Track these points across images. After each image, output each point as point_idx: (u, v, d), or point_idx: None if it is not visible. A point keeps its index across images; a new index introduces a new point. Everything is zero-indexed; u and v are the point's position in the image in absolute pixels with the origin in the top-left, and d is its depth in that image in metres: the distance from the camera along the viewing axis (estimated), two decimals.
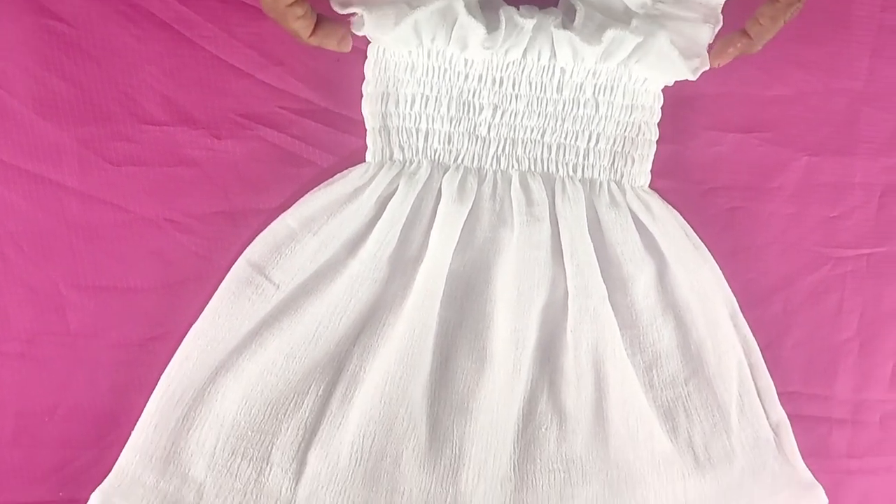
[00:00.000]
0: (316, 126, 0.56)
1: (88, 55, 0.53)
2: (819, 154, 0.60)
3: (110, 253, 0.55)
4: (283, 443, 0.53)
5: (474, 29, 0.51)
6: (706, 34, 0.53)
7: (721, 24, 0.53)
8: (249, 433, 0.53)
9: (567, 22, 0.53)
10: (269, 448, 0.53)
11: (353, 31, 0.52)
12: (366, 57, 0.54)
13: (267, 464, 0.53)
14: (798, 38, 0.58)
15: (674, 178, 0.58)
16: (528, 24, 0.52)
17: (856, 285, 0.61)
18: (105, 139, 0.54)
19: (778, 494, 0.57)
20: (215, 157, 0.55)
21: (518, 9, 0.53)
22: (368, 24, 0.50)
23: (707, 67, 0.54)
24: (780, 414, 0.58)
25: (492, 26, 0.52)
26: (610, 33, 0.51)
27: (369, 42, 0.54)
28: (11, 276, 0.54)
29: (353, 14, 0.51)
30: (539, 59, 0.54)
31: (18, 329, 0.55)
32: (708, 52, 0.53)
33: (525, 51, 0.53)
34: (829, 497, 0.57)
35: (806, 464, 0.58)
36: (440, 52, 0.54)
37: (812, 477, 0.57)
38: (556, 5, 0.55)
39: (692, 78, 0.54)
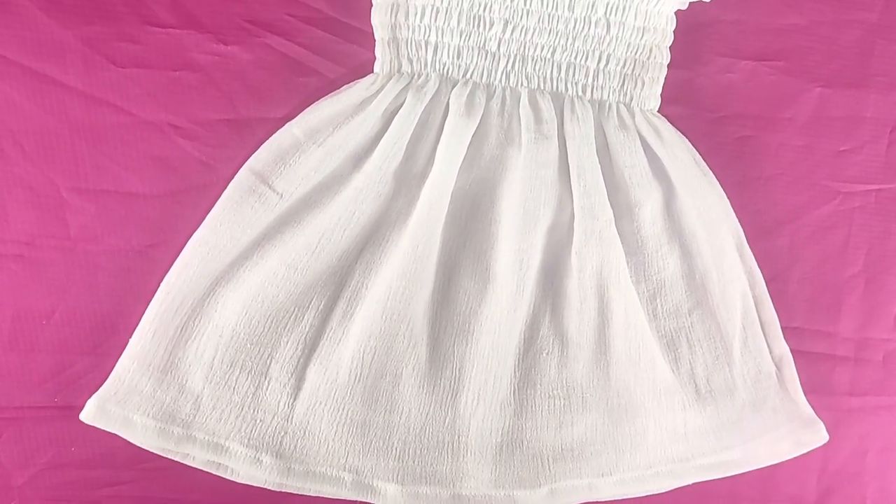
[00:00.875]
0: (324, 35, 0.56)
1: None
2: (831, 86, 0.60)
3: (112, 156, 0.55)
4: (282, 357, 0.54)
5: None
6: None
7: None
8: (248, 345, 0.53)
9: None
10: (268, 362, 0.53)
11: None
12: None
13: (265, 377, 0.53)
14: None
15: (684, 104, 0.58)
16: None
17: (863, 221, 0.61)
18: (110, 39, 0.54)
19: (778, 429, 0.57)
20: (221, 62, 0.55)
21: None
22: None
23: None
24: (783, 348, 0.58)
25: None
26: None
27: None
28: (11, 176, 0.55)
29: None
30: None
31: (17, 230, 0.55)
32: None
33: None
34: (829, 434, 0.57)
35: (807, 400, 0.58)
36: None
37: (813, 413, 0.58)
38: None
39: None
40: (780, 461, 0.57)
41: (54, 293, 0.55)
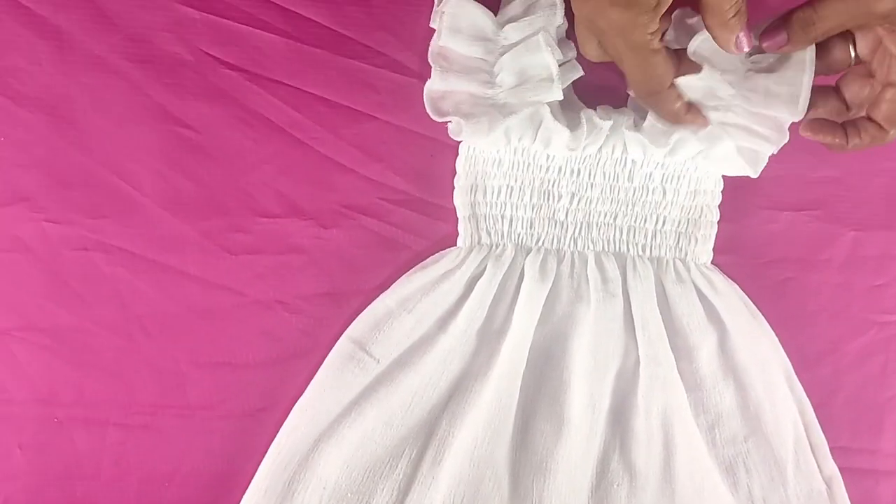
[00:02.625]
0: (412, 214, 0.63)
1: (210, 156, 0.61)
2: (863, 229, 0.66)
3: (226, 332, 0.62)
4: (378, 502, 0.60)
5: (559, 131, 0.59)
6: (769, 150, 0.60)
7: (787, 139, 0.59)
8: (349, 495, 0.60)
9: (639, 120, 0.61)
10: None
11: (451, 135, 0.60)
12: (457, 153, 0.62)
13: None
14: None
15: (733, 253, 0.65)
16: (606, 125, 0.59)
17: None
18: (224, 231, 0.61)
19: None
20: (322, 244, 0.62)
21: (596, 109, 0.61)
22: (466, 132, 0.58)
23: (765, 164, 0.61)
24: (832, 468, 0.64)
25: (572, 125, 0.60)
26: (675, 136, 0.59)
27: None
28: (138, 356, 0.61)
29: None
30: (613, 153, 0.62)
31: (143, 403, 0.62)
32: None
33: (601, 146, 0.61)
34: None
35: None
36: (525, 149, 0.61)
37: None
38: (626, 104, 0.63)
39: (754, 176, 0.61)
40: None
41: (176, 456, 0.62)
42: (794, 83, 0.56)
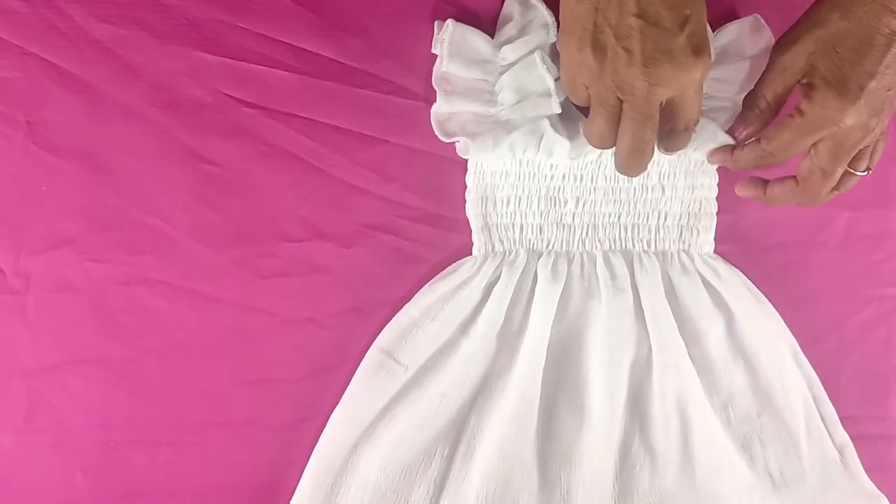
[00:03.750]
0: (428, 229, 0.67)
1: (235, 189, 0.65)
2: (858, 209, 0.70)
3: (262, 352, 0.66)
4: (416, 499, 0.65)
5: (560, 142, 0.63)
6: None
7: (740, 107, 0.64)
8: (388, 493, 0.64)
9: None
10: None
11: (459, 154, 0.64)
12: (466, 168, 0.66)
13: None
14: None
15: (734, 242, 0.69)
16: None
17: None
18: (254, 257, 0.66)
19: None
20: (345, 263, 0.66)
21: None
22: (473, 150, 0.63)
23: None
24: (843, 436, 0.68)
25: (572, 136, 0.64)
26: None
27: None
28: (183, 379, 0.66)
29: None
30: (612, 158, 0.66)
31: (190, 422, 0.66)
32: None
33: (600, 153, 0.66)
34: None
35: (870, 477, 0.66)
36: (529, 161, 0.66)
37: (876, 489, 0.67)
38: None
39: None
40: None
41: (224, 470, 0.66)
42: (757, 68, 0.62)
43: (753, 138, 0.61)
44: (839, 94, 0.55)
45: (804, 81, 0.58)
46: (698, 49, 0.53)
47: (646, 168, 0.59)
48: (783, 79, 0.58)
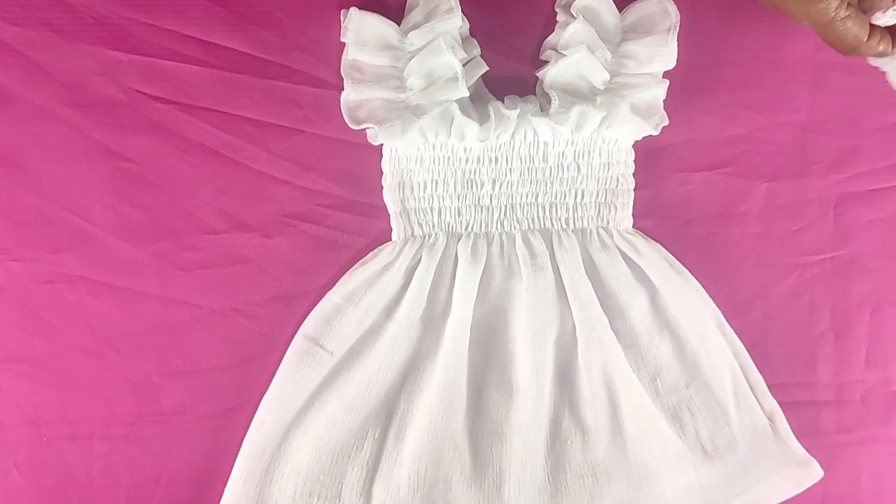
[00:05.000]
0: (347, 216, 0.68)
1: (154, 185, 0.66)
2: (776, 179, 0.71)
3: (189, 343, 0.68)
4: (350, 481, 0.66)
5: (469, 125, 0.64)
6: (660, 95, 0.66)
7: (667, 84, 0.66)
8: (321, 477, 0.66)
9: (545, 104, 0.67)
10: (340, 487, 0.66)
11: (370, 141, 0.66)
12: (381, 155, 0.68)
13: (339, 500, 0.66)
14: (744, 85, 0.70)
15: (654, 216, 0.70)
16: (513, 114, 0.65)
17: (823, 285, 0.72)
18: (175, 251, 0.67)
19: (779, 472, 0.68)
20: (267, 252, 0.68)
21: (503, 101, 0.67)
22: (381, 136, 0.64)
23: (666, 122, 0.67)
24: (772, 403, 0.70)
25: (483, 118, 0.66)
26: (576, 109, 0.64)
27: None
28: (112, 373, 0.68)
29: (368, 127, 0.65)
30: (525, 138, 0.67)
31: (122, 415, 0.68)
32: None
33: (513, 134, 0.67)
34: (823, 469, 0.67)
35: (800, 443, 0.67)
36: (443, 145, 0.67)
37: (807, 454, 0.67)
38: (534, 92, 0.69)
39: (655, 133, 0.66)
40: (785, 499, 0.67)
41: (158, 460, 0.68)
42: (664, 43, 0.65)
43: None
44: None
45: None
46: None
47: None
48: None
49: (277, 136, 0.66)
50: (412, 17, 0.65)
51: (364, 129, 0.65)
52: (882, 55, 0.59)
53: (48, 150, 0.66)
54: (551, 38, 0.67)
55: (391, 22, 0.65)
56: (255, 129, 0.66)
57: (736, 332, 0.70)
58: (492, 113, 0.65)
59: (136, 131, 0.66)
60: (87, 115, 0.66)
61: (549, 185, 0.68)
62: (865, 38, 0.57)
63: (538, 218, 0.69)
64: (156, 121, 0.66)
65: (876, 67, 0.62)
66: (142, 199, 0.66)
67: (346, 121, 0.65)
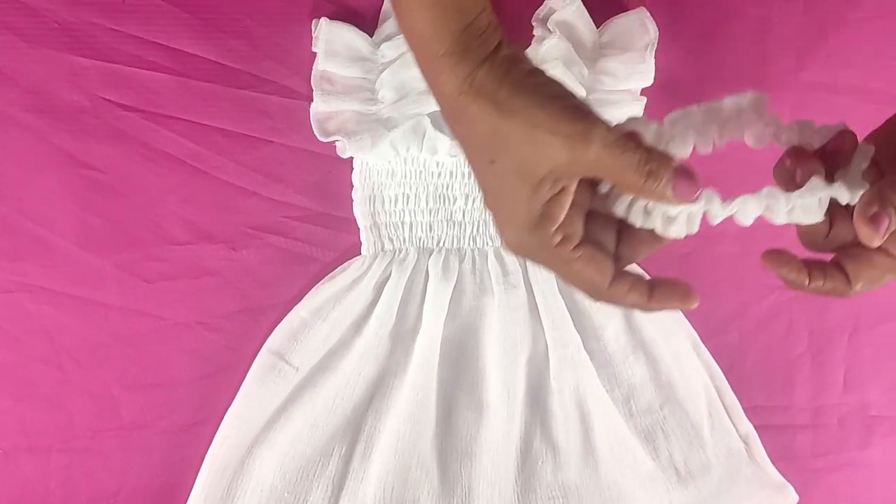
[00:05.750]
0: (316, 229, 0.67)
1: (119, 193, 0.66)
2: None
3: (152, 355, 0.67)
4: (315, 499, 0.65)
5: (441, 140, 0.64)
6: (637, 112, 0.66)
7: (644, 102, 0.65)
8: (285, 494, 0.65)
9: None
10: None
11: (339, 154, 0.65)
12: (352, 168, 0.67)
13: None
14: None
15: None
16: None
17: (801, 307, 0.71)
18: (139, 261, 0.66)
19: (753, 496, 0.68)
20: (233, 265, 0.67)
21: None
22: (350, 149, 0.64)
23: None
24: (747, 426, 0.69)
25: None
26: None
27: None
28: (71, 385, 0.67)
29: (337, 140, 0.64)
30: None
31: (82, 428, 0.67)
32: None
33: None
34: (799, 494, 0.67)
35: (776, 467, 0.67)
36: (415, 159, 0.66)
37: (782, 478, 0.68)
38: None
39: None
40: None
41: (119, 475, 0.67)
42: (641, 60, 0.64)
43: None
44: None
45: None
46: None
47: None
48: None
49: (245, 146, 0.65)
50: (385, 28, 0.65)
51: (329, 142, 0.64)
52: (637, 308, 0.46)
53: (10, 157, 0.65)
54: (528, 53, 0.66)
55: (363, 33, 0.64)
56: (223, 139, 0.65)
57: (712, 354, 0.69)
58: None
59: (100, 139, 0.65)
60: (51, 121, 0.65)
61: None
62: (607, 284, 0.45)
63: None
64: (121, 129, 0.65)
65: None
66: (105, 208, 0.65)
67: (316, 133, 0.64)
